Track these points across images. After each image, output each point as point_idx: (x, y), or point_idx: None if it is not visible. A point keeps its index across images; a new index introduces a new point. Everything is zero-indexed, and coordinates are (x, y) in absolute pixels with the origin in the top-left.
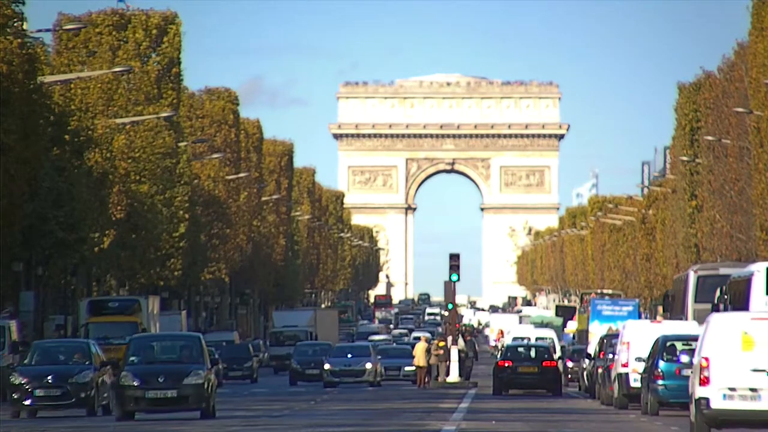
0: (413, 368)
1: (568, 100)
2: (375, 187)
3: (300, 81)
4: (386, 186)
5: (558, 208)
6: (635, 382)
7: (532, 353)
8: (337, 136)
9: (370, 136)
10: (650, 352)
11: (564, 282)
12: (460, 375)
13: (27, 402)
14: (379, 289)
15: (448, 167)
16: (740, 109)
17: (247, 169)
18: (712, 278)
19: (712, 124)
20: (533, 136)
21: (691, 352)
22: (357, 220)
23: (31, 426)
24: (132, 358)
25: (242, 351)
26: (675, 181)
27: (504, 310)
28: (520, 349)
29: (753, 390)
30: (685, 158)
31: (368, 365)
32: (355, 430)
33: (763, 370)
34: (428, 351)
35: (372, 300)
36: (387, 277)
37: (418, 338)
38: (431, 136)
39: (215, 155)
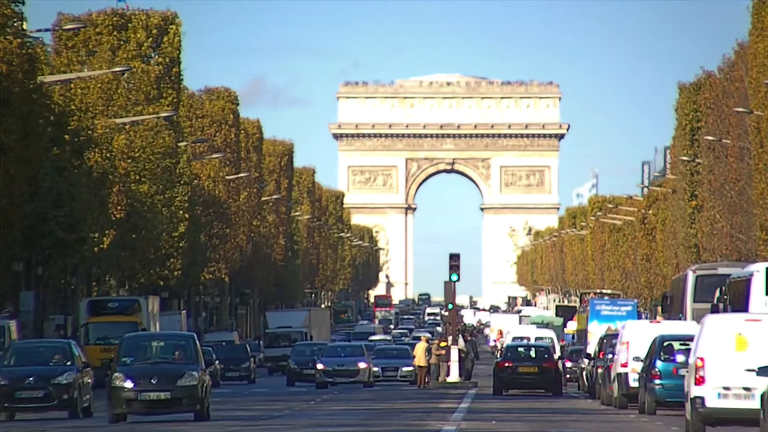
0: (410, 369)
1: (568, 100)
2: (375, 187)
3: (301, 81)
4: (386, 186)
5: (558, 208)
6: (635, 382)
7: (532, 353)
8: (337, 136)
9: (370, 136)
10: (648, 352)
11: (564, 282)
12: (460, 375)
13: (7, 404)
14: (379, 289)
15: (448, 167)
16: (740, 109)
17: (247, 169)
18: (711, 278)
19: (713, 124)
20: (533, 136)
21: (688, 352)
22: (357, 220)
23: (31, 427)
24: (124, 359)
25: (240, 352)
26: (675, 181)
27: (504, 310)
28: (520, 349)
29: (747, 389)
30: (685, 158)
31: (362, 365)
32: (356, 430)
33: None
34: (429, 351)
35: (372, 300)
36: (387, 277)
37: (418, 338)
38: (431, 136)
39: (215, 155)
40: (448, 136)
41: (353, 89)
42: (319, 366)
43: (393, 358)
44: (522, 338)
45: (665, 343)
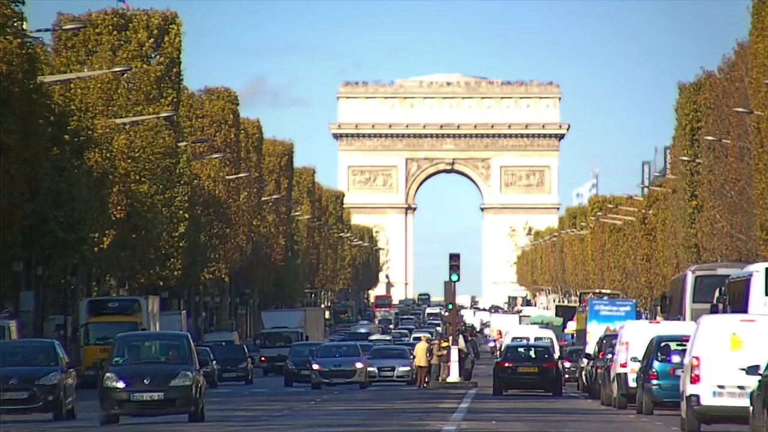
0: (407, 369)
1: (568, 100)
2: (375, 187)
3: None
4: (386, 186)
5: (558, 208)
6: (634, 382)
7: (532, 353)
8: (337, 136)
9: (370, 136)
10: (645, 353)
11: (564, 282)
12: (460, 375)
13: None
14: (379, 289)
15: (448, 167)
16: (740, 109)
17: (247, 169)
18: (710, 278)
19: (713, 124)
20: (533, 136)
21: (683, 352)
22: (357, 220)
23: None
24: (116, 359)
25: (237, 352)
26: (675, 181)
27: (504, 310)
28: (520, 350)
29: (741, 387)
30: (685, 158)
31: (359, 365)
32: (356, 430)
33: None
34: (429, 351)
35: (372, 300)
36: (387, 277)
37: (418, 338)
38: (431, 136)
39: (215, 155)
40: (448, 136)
41: (353, 89)
42: (315, 366)
43: (389, 358)
44: (521, 338)
45: (662, 344)
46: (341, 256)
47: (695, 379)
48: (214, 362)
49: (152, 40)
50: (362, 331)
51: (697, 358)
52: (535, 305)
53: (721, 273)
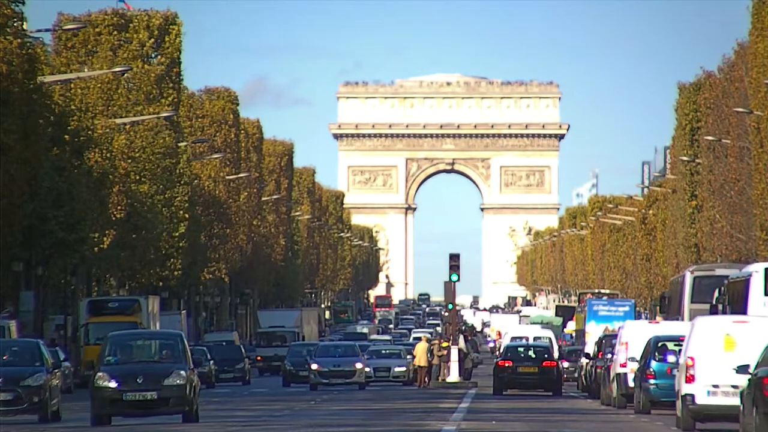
0: (403, 369)
1: (568, 100)
2: (375, 187)
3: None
4: (386, 186)
5: (558, 208)
6: (633, 382)
7: (532, 353)
8: (337, 136)
9: (370, 136)
10: (643, 352)
11: (564, 282)
12: (460, 375)
13: None
14: (379, 289)
15: (448, 167)
16: (740, 109)
17: (247, 169)
18: (708, 279)
19: (712, 124)
20: (533, 136)
21: (681, 352)
22: (357, 220)
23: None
24: (108, 358)
25: (234, 352)
26: (675, 181)
27: (504, 310)
28: (520, 349)
29: (734, 387)
30: (685, 158)
31: (358, 365)
32: (356, 430)
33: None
34: (430, 351)
35: (372, 300)
36: (387, 277)
37: (418, 338)
38: (431, 136)
39: (215, 155)
40: (448, 136)
41: (353, 89)
42: (314, 366)
43: (385, 358)
44: (520, 338)
45: (660, 344)
46: (341, 256)
47: (690, 379)
48: (212, 362)
49: (152, 40)
50: (359, 331)
51: (692, 359)
52: (535, 305)
53: (719, 273)
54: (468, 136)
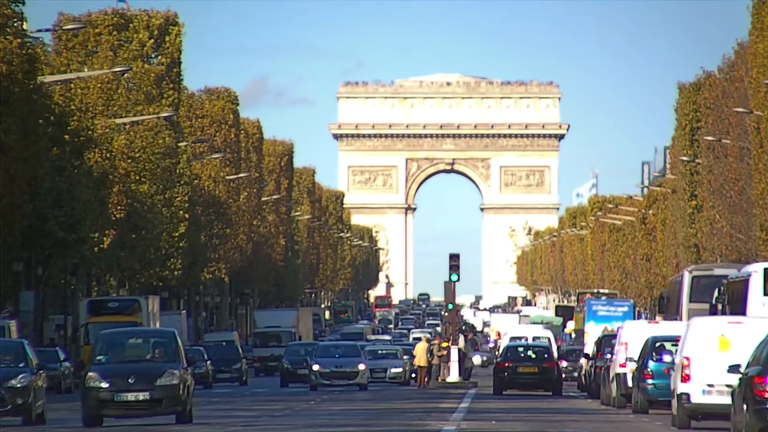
0: (399, 370)
1: (568, 100)
2: (375, 187)
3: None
4: (386, 186)
5: (558, 208)
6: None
7: (533, 353)
8: (337, 136)
9: (370, 136)
10: (641, 352)
11: (564, 282)
12: (459, 375)
13: None
14: (379, 289)
15: (448, 167)
16: (740, 109)
17: (247, 169)
18: (707, 279)
19: (712, 124)
20: (533, 136)
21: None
22: (357, 220)
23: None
24: (99, 357)
25: (231, 352)
26: (675, 181)
27: (504, 310)
28: (520, 349)
29: (729, 386)
30: (685, 158)
31: (361, 366)
32: (356, 430)
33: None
34: (429, 351)
35: (372, 300)
36: (387, 277)
37: (418, 338)
38: (431, 136)
39: (215, 155)
40: (448, 136)
41: (353, 89)
42: (315, 367)
43: (382, 358)
44: (519, 338)
45: (657, 344)
46: (341, 256)
47: (686, 378)
48: (209, 362)
49: (153, 40)
50: (356, 331)
51: (688, 358)
52: (535, 305)
53: (717, 273)
54: (468, 136)
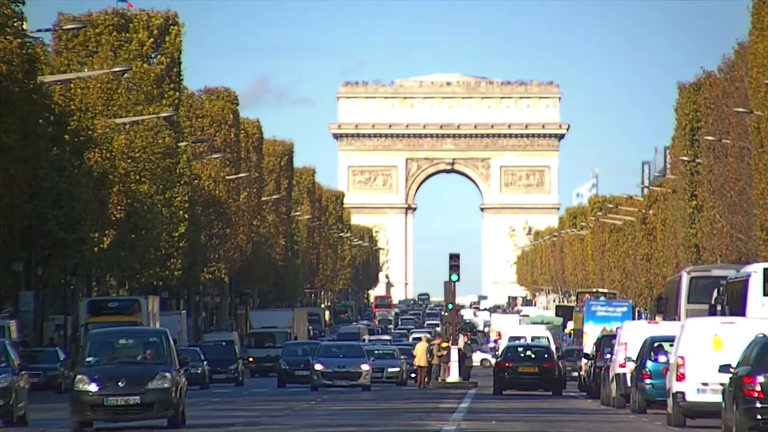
0: (397, 370)
1: (568, 100)
2: (375, 187)
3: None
4: (386, 186)
5: (558, 208)
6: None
7: (533, 353)
8: (337, 136)
9: (370, 136)
10: (639, 352)
11: (564, 282)
12: (459, 375)
13: None
14: (379, 289)
15: (448, 167)
16: (740, 109)
17: (247, 169)
18: (705, 279)
19: (712, 124)
20: (533, 136)
21: None
22: (357, 220)
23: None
24: (88, 359)
25: (228, 352)
26: (675, 181)
27: (504, 309)
28: (521, 349)
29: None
30: (685, 158)
31: (364, 366)
32: (356, 430)
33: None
34: (429, 351)
35: (372, 300)
36: (387, 277)
37: (418, 338)
38: (431, 136)
39: (215, 155)
40: (448, 136)
41: (353, 89)
42: (318, 367)
43: (379, 358)
44: (519, 337)
45: (656, 344)
46: (341, 256)
47: (681, 377)
48: (205, 363)
49: (152, 40)
50: (352, 331)
51: (683, 358)
52: (535, 305)
53: (715, 274)
54: (468, 136)
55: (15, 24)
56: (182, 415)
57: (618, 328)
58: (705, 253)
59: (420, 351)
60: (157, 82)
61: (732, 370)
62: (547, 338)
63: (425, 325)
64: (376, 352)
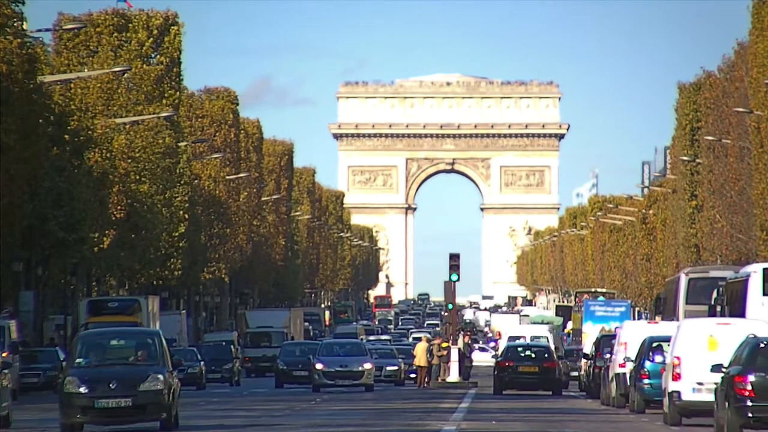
0: (395, 368)
1: (568, 100)
2: (375, 187)
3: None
4: (386, 186)
5: (558, 208)
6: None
7: (533, 353)
8: (337, 136)
9: (370, 136)
10: (638, 353)
11: (564, 282)
12: (459, 375)
13: None
14: (379, 289)
15: (448, 167)
16: (740, 109)
17: (247, 169)
18: (703, 280)
19: (713, 124)
20: (533, 136)
21: None
22: (357, 220)
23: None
24: (78, 360)
25: (224, 352)
26: (675, 181)
27: (503, 308)
28: (521, 349)
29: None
30: (685, 158)
31: (367, 366)
32: (357, 430)
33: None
34: (429, 351)
35: (372, 300)
36: (387, 277)
37: (418, 338)
38: (431, 136)
39: (215, 155)
40: (448, 136)
41: (353, 89)
42: (319, 366)
43: (377, 357)
44: (518, 337)
45: (654, 344)
46: (341, 256)
47: (676, 377)
48: (202, 363)
49: (152, 40)
50: (349, 331)
51: (678, 358)
52: (535, 305)
53: (714, 275)
54: (468, 136)
55: (15, 24)
56: (175, 417)
57: (618, 328)
58: (705, 253)
59: (420, 351)
60: (157, 82)
61: (724, 369)
62: (547, 338)
63: (425, 325)
64: (374, 351)
